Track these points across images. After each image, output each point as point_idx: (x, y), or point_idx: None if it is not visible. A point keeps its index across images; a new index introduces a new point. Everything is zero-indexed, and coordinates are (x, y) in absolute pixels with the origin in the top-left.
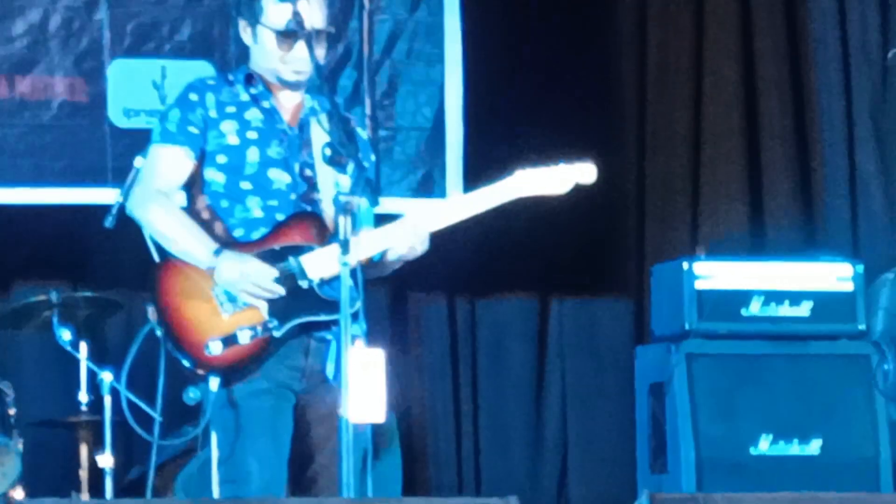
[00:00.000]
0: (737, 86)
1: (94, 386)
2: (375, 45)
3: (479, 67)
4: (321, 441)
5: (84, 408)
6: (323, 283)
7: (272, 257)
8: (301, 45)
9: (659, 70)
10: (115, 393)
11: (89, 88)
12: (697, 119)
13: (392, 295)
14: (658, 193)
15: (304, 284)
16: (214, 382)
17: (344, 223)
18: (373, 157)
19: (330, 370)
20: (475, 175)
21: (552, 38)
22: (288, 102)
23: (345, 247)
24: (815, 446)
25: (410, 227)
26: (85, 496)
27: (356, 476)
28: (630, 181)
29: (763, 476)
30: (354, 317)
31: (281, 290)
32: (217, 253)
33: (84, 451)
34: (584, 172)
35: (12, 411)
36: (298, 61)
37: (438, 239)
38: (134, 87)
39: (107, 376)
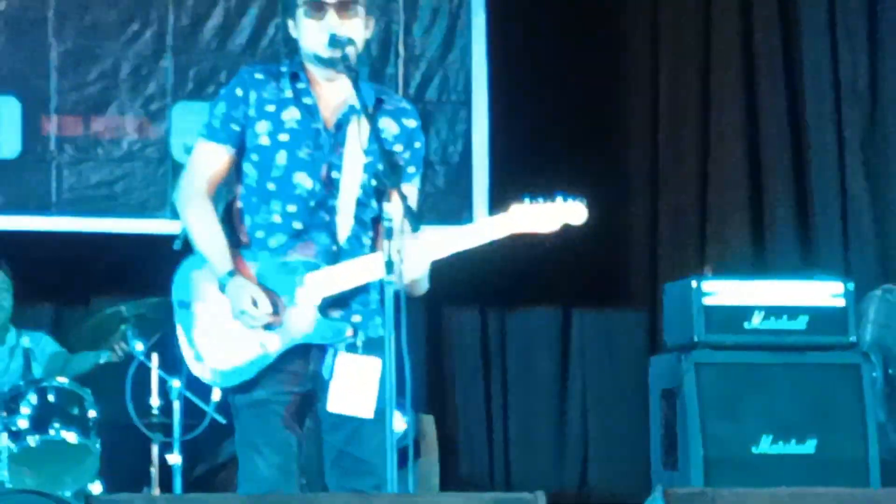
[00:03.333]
0: (739, 124)
1: (165, 391)
2: (410, 88)
3: (504, 108)
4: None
5: (155, 411)
6: (326, 303)
7: (284, 271)
8: (332, 15)
9: (670, 112)
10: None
11: (155, 128)
12: (705, 155)
13: (428, 308)
14: (670, 220)
15: (309, 304)
16: (217, 393)
17: (387, 246)
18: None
19: (327, 372)
20: (500, 207)
21: (573, 86)
22: (332, 98)
23: (389, 268)
24: (810, 446)
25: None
26: (156, 491)
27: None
28: (645, 209)
29: (764, 473)
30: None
31: (278, 321)
32: (230, 274)
33: (155, 450)
34: (574, 212)
35: (92, 414)
36: (330, 31)
37: (471, 257)
38: (194, 126)
39: (175, 383)
